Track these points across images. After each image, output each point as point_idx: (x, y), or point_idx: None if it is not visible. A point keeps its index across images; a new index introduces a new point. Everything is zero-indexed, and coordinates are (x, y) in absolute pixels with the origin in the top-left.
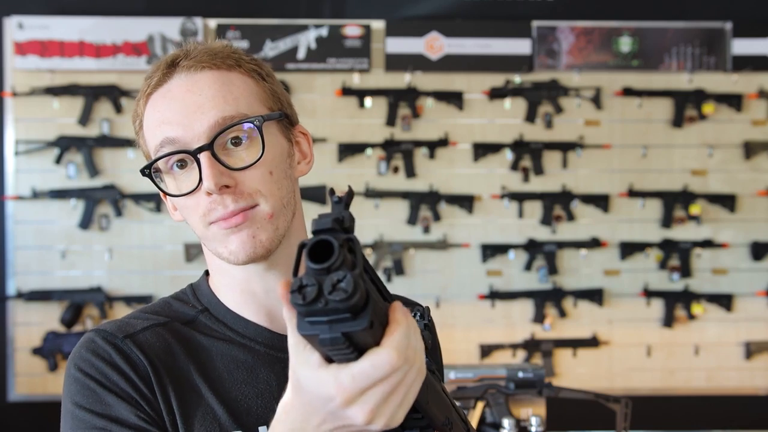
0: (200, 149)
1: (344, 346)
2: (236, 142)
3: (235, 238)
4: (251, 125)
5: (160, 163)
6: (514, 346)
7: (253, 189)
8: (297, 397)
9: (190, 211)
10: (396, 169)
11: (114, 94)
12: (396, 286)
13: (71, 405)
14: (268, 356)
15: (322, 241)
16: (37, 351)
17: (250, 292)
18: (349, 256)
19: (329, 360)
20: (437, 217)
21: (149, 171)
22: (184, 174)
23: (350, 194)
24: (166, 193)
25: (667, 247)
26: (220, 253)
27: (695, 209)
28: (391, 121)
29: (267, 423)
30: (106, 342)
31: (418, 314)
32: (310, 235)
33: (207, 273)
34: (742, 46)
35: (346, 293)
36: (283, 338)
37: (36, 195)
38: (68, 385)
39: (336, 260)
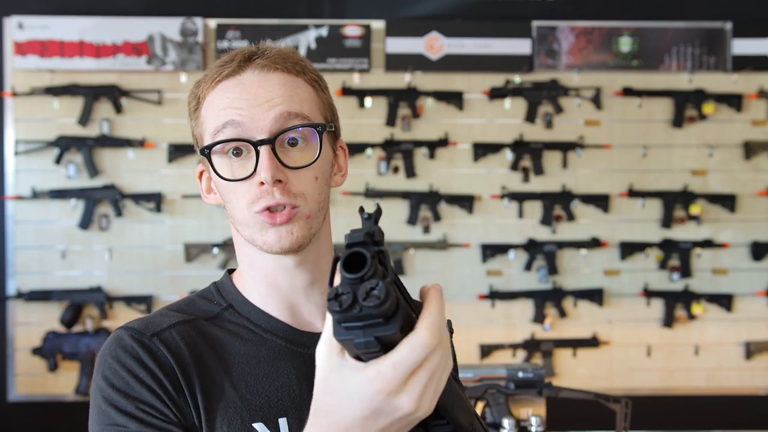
0: (262, 142)
1: (376, 349)
2: (293, 142)
3: (273, 231)
4: (313, 129)
5: (218, 146)
6: (514, 346)
7: (299, 190)
8: (332, 400)
9: (238, 196)
10: (396, 169)
11: (114, 94)
12: None
13: (101, 399)
14: (289, 351)
15: (356, 253)
16: (37, 351)
17: (276, 286)
18: (380, 267)
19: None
20: (437, 217)
21: (208, 151)
22: (239, 161)
23: (378, 211)
24: (219, 176)
25: (667, 247)
26: (254, 240)
27: (695, 209)
28: (391, 121)
29: (286, 415)
30: (133, 340)
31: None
32: (334, 238)
33: (229, 272)
34: (742, 46)
35: (378, 299)
36: (303, 334)
37: (36, 195)
38: (98, 380)
39: (369, 270)
